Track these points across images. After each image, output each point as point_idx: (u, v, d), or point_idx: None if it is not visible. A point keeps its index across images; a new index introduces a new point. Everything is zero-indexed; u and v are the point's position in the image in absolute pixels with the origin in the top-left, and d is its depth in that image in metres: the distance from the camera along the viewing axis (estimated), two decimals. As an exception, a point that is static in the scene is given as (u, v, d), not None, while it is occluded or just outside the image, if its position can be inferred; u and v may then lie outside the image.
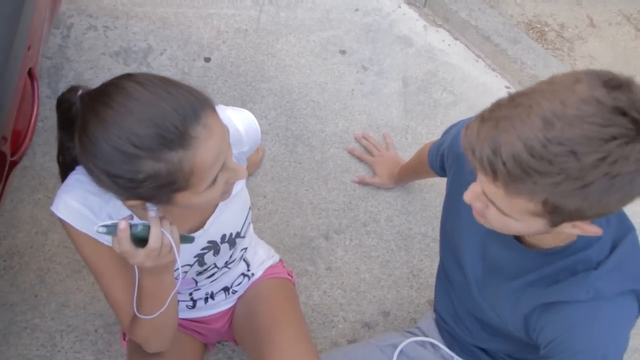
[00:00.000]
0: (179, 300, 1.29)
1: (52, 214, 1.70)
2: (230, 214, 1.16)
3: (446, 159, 1.24)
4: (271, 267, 1.43)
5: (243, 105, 2.03)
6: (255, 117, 2.07)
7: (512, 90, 2.27)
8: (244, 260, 1.36)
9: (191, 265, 1.17)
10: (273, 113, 2.04)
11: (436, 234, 1.87)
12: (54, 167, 1.80)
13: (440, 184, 1.93)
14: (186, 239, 0.99)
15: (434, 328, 1.40)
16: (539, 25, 2.47)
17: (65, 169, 1.05)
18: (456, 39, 2.39)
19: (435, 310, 1.39)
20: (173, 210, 1.06)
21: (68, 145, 1.00)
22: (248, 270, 1.38)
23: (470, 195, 0.89)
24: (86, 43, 2.08)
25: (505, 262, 1.05)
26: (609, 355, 0.93)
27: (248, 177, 1.85)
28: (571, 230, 0.86)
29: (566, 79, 0.77)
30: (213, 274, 1.27)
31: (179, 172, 0.86)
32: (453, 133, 1.23)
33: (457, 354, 1.33)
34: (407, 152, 2.01)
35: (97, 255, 1.04)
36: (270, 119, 2.02)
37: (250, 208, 1.24)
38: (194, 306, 1.34)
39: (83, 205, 0.99)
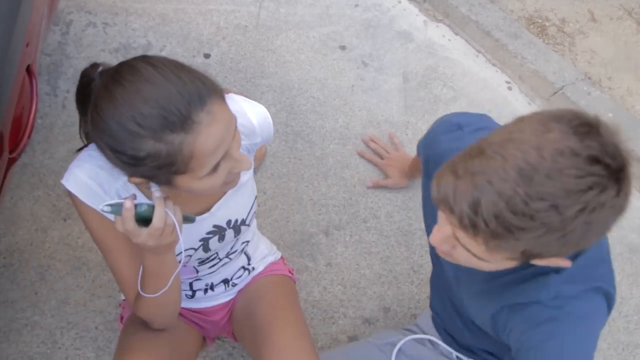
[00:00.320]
0: None
1: (53, 211, 1.71)
2: (237, 201, 1.18)
3: (419, 156, 1.24)
4: (272, 263, 1.44)
5: (243, 101, 2.03)
6: (255, 113, 2.06)
7: (513, 85, 2.27)
8: (245, 253, 1.36)
9: (195, 249, 1.18)
10: (273, 109, 2.03)
11: (436, 229, 1.87)
12: (54, 165, 1.80)
13: (440, 179, 1.92)
14: (188, 219, 1.01)
15: (432, 325, 1.40)
16: (539, 20, 2.46)
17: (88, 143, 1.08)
18: (456, 34, 2.38)
19: (430, 306, 1.39)
20: (180, 193, 1.08)
21: (84, 120, 1.02)
22: (249, 264, 1.38)
23: (438, 239, 0.87)
24: (85, 40, 2.08)
25: (472, 269, 1.07)
26: (575, 353, 0.92)
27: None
28: (539, 263, 0.87)
29: (536, 126, 0.77)
30: (214, 265, 1.27)
31: (179, 154, 0.88)
32: (433, 132, 1.22)
33: (456, 350, 1.33)
34: (407, 147, 2.01)
35: (105, 231, 1.06)
36: (270, 115, 2.02)
37: (256, 197, 1.26)
38: (193, 296, 1.34)
39: (93, 180, 1.01)
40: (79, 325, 1.57)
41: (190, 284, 1.32)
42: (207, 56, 2.11)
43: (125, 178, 1.03)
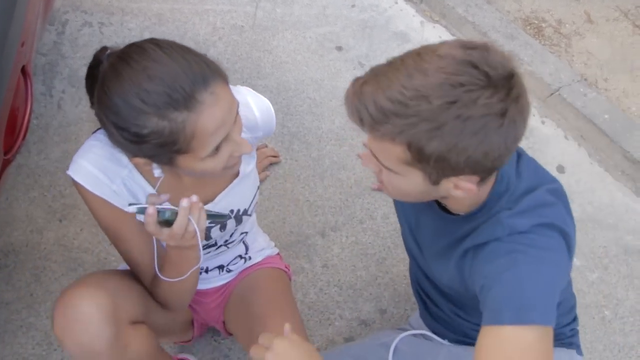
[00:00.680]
0: None
1: (48, 212, 1.70)
2: (240, 191, 1.20)
3: None
4: (270, 256, 1.45)
5: (239, 102, 2.02)
6: (252, 114, 2.06)
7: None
8: (243, 242, 1.38)
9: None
10: (269, 110, 2.03)
11: (433, 231, 1.87)
12: (49, 165, 1.80)
13: (437, 181, 1.92)
14: (221, 216, 1.05)
15: (422, 322, 1.41)
16: (536, 21, 2.47)
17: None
18: (453, 35, 2.38)
19: (415, 293, 1.41)
20: (183, 181, 1.11)
21: (91, 101, 1.04)
22: (246, 253, 1.39)
23: (364, 157, 0.98)
24: (81, 39, 2.07)
25: (435, 231, 1.12)
26: (533, 281, 0.93)
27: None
28: (455, 193, 0.93)
29: (434, 44, 0.88)
30: (210, 251, 1.28)
31: (181, 133, 0.91)
32: None
33: (449, 340, 1.34)
34: (403, 149, 2.01)
35: (113, 219, 1.08)
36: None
37: (258, 187, 1.28)
38: None
39: (97, 168, 1.03)
40: (74, 326, 1.56)
41: None
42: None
43: (130, 166, 1.06)
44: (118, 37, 2.10)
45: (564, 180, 1.78)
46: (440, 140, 0.84)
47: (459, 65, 0.83)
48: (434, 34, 2.36)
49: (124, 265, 1.30)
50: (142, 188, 1.08)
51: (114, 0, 2.20)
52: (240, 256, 1.38)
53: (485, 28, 2.31)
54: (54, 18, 2.10)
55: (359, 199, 1.90)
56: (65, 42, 2.05)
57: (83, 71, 1.99)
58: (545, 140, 2.12)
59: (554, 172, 1.78)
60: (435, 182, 0.92)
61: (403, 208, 1.21)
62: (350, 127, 2.04)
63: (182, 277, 1.09)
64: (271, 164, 1.90)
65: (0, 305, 1.57)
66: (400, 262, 1.80)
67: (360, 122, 0.88)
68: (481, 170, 0.90)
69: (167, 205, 0.99)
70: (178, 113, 0.89)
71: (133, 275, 1.19)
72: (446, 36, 2.36)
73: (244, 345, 1.36)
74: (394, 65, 0.87)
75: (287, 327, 1.02)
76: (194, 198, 0.98)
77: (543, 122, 2.19)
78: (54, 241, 1.67)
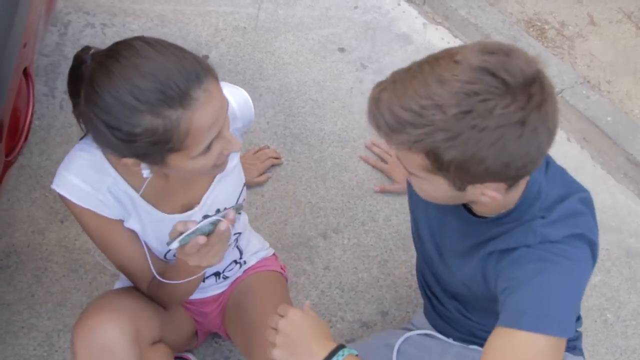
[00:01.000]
0: None
1: (50, 213, 1.70)
2: (224, 188, 1.19)
3: None
4: (265, 259, 1.44)
5: (241, 103, 2.02)
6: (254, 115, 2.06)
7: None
8: (237, 247, 1.37)
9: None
10: (271, 111, 2.03)
11: (435, 233, 1.87)
12: (51, 166, 1.80)
13: (439, 183, 1.92)
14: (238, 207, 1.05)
15: (425, 321, 1.41)
16: (539, 23, 2.46)
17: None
18: (456, 37, 2.37)
19: (422, 292, 1.39)
20: (170, 183, 1.10)
21: (76, 102, 1.02)
22: (240, 257, 1.39)
23: (393, 162, 0.99)
24: (84, 40, 2.07)
25: (459, 232, 1.11)
26: (559, 291, 0.93)
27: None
28: (481, 199, 0.91)
29: (455, 47, 0.86)
30: None
31: (175, 130, 0.89)
32: None
33: (455, 338, 1.34)
34: (406, 150, 2.00)
35: (101, 228, 1.08)
36: (268, 118, 2.02)
37: (245, 184, 1.26)
38: None
39: (82, 180, 1.02)
40: (75, 328, 1.56)
41: None
42: (205, 57, 2.11)
43: (114, 174, 1.04)
44: (120, 38, 2.09)
45: (566, 182, 1.78)
46: (457, 149, 0.82)
47: (475, 72, 0.80)
48: (437, 35, 2.36)
49: (121, 282, 1.30)
50: (128, 195, 1.07)
51: (116, 1, 2.20)
52: (235, 261, 1.37)
53: (487, 30, 2.30)
54: (56, 19, 2.10)
55: (361, 201, 1.90)
56: (67, 43, 2.06)
57: (85, 72, 2.00)
58: (547, 142, 2.11)
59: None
60: (461, 189, 0.91)
61: (425, 208, 1.19)
62: (352, 129, 2.04)
63: (180, 282, 1.10)
64: (273, 165, 1.90)
65: (1, 306, 1.56)
66: (402, 264, 1.80)
67: (378, 129, 0.88)
68: (505, 178, 0.88)
69: (194, 226, 0.98)
70: (172, 110, 0.88)
71: (143, 295, 1.20)
72: (449, 38, 2.36)
73: (243, 351, 1.35)
74: (411, 71, 0.85)
75: (307, 303, 1.05)
76: (231, 215, 0.99)
77: (546, 124, 2.19)
78: (55, 242, 1.67)
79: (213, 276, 1.35)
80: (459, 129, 0.81)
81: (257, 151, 1.89)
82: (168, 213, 1.12)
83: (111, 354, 1.04)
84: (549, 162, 1.05)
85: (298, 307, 1.03)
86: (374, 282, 1.76)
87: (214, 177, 1.17)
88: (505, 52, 0.82)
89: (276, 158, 1.90)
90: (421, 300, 1.74)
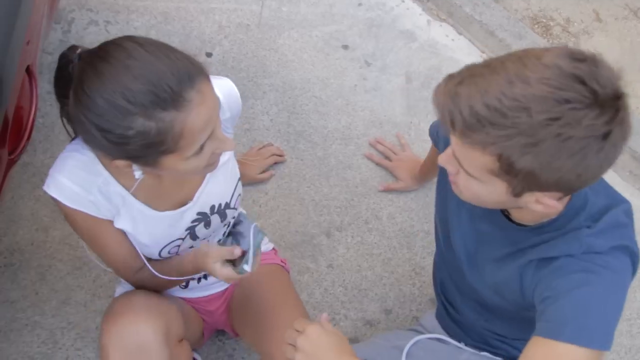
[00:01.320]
0: None
1: (54, 210, 1.70)
2: (217, 184, 1.18)
3: (442, 141, 1.25)
4: (264, 253, 1.44)
5: (245, 101, 2.01)
6: (257, 113, 2.06)
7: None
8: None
9: (183, 239, 1.19)
10: (275, 109, 2.03)
11: (439, 231, 1.86)
12: (55, 164, 1.80)
13: (443, 180, 1.91)
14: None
15: (437, 324, 1.39)
16: (544, 20, 2.45)
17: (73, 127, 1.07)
18: (460, 33, 2.36)
19: (439, 297, 1.38)
20: (163, 182, 1.09)
21: (63, 102, 1.02)
22: None
23: (444, 157, 0.94)
24: (87, 38, 2.07)
25: (494, 238, 1.08)
26: (603, 303, 0.91)
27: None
28: (534, 207, 0.89)
29: (539, 49, 0.82)
30: None
31: (169, 132, 0.88)
32: None
33: (466, 343, 1.33)
34: (411, 148, 1.99)
35: (91, 229, 1.08)
36: (272, 115, 2.01)
37: (239, 179, 1.25)
38: (186, 286, 1.34)
39: (73, 182, 1.01)
40: (79, 325, 1.57)
41: None
42: (209, 55, 2.10)
43: (105, 174, 1.04)
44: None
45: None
46: (534, 157, 0.79)
47: (566, 79, 0.77)
48: (441, 32, 2.35)
49: (122, 287, 1.31)
50: (119, 194, 1.07)
51: (120, -2, 2.20)
52: None
53: (492, 27, 2.29)
54: (60, 16, 2.10)
55: (365, 198, 1.89)
56: (71, 40, 2.05)
57: (89, 70, 1.99)
58: (552, 140, 2.10)
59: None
60: (518, 195, 0.88)
61: (459, 212, 1.16)
62: (356, 126, 2.03)
63: (176, 279, 1.15)
64: (276, 163, 1.90)
65: (5, 303, 1.57)
66: (405, 262, 1.79)
67: (452, 125, 0.83)
68: (569, 189, 0.86)
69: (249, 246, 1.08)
70: (166, 113, 0.87)
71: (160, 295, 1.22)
72: (453, 35, 2.35)
73: (252, 345, 1.35)
74: (493, 67, 0.81)
75: (324, 315, 1.03)
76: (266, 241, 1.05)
77: (550, 122, 2.17)
78: (59, 240, 1.67)
79: None
80: (543, 135, 0.77)
81: (261, 148, 1.89)
82: (161, 210, 1.12)
83: (146, 353, 1.05)
84: None
85: (316, 322, 1.00)
86: (378, 280, 1.75)
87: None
88: (593, 61, 0.79)
89: (279, 155, 1.90)
90: (425, 299, 1.74)
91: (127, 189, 1.06)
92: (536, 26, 2.41)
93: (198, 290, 1.36)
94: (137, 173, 0.99)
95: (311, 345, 0.96)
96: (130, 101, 0.85)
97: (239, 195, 1.26)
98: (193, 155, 0.94)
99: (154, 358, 1.06)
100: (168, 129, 0.88)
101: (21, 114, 1.27)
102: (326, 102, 2.07)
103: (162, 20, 2.16)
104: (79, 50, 0.95)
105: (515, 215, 1.02)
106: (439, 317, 1.39)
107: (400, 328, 1.66)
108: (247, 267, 1.05)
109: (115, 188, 1.05)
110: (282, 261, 1.47)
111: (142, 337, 1.05)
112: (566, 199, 0.96)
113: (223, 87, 1.14)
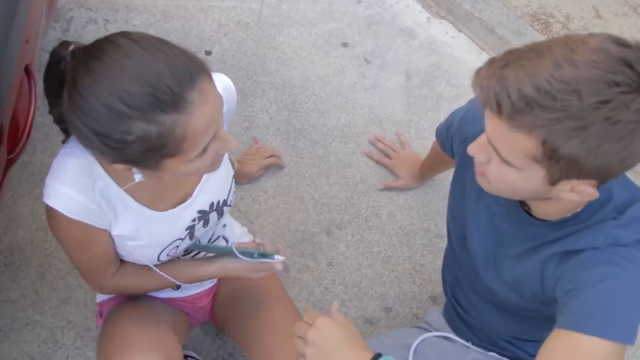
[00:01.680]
0: None
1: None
2: (216, 181, 1.15)
3: (454, 142, 1.24)
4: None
5: (244, 99, 2.02)
6: (257, 111, 2.06)
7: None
8: (224, 237, 1.36)
9: (182, 239, 1.16)
10: (274, 107, 2.02)
11: (439, 229, 1.86)
12: (54, 163, 1.79)
13: (442, 178, 1.91)
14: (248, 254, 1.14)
15: (444, 322, 1.38)
16: (544, 17, 2.44)
17: (63, 127, 1.02)
18: (460, 31, 2.36)
19: (448, 297, 1.37)
20: (162, 181, 1.05)
21: (54, 102, 0.95)
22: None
23: (476, 146, 0.91)
24: (86, 37, 2.07)
25: (514, 236, 1.06)
26: (627, 297, 0.90)
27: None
28: (568, 196, 0.87)
29: (582, 35, 0.82)
30: (197, 253, 1.27)
31: (171, 136, 0.84)
32: (460, 115, 1.22)
33: (474, 343, 1.32)
34: (411, 146, 1.99)
35: (84, 237, 1.03)
36: (271, 113, 2.01)
37: (233, 175, 1.23)
38: (178, 287, 1.32)
39: (75, 190, 0.95)
40: (79, 324, 1.56)
41: None
42: (208, 53, 2.10)
43: (105, 176, 0.99)
44: (123, 34, 2.09)
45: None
46: (581, 141, 0.78)
47: (614, 62, 0.76)
48: (441, 30, 2.34)
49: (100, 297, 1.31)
50: (120, 197, 1.02)
51: (118, -4, 2.19)
52: None
53: (492, 24, 2.28)
54: (58, 15, 2.10)
55: (365, 196, 1.89)
56: (70, 39, 2.04)
57: (88, 68, 1.99)
58: (552, 137, 2.10)
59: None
60: (554, 183, 0.86)
61: (476, 211, 1.13)
62: (355, 124, 2.03)
63: (176, 281, 1.15)
64: (274, 165, 1.87)
65: (5, 303, 1.57)
66: (405, 260, 1.79)
67: (498, 107, 0.80)
68: (605, 176, 0.85)
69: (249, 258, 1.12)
70: (167, 116, 0.81)
71: (145, 314, 1.22)
72: (453, 32, 2.34)
73: (238, 341, 1.35)
74: (538, 51, 0.80)
75: (334, 305, 0.99)
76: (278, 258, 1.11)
77: (550, 119, 2.17)
78: (59, 239, 1.67)
79: None
80: (592, 119, 0.76)
81: (258, 147, 1.88)
82: (161, 210, 1.09)
83: None
84: None
85: (326, 314, 0.96)
86: (378, 278, 1.75)
87: None
88: (638, 47, 0.79)
89: (277, 157, 1.87)
90: (425, 297, 1.74)
91: (128, 191, 1.02)
92: (536, 23, 2.41)
93: (190, 289, 1.35)
94: (137, 177, 0.95)
95: (322, 338, 0.92)
96: (128, 104, 0.80)
97: (234, 191, 1.24)
98: (196, 157, 0.89)
99: None
100: (169, 133, 0.83)
101: (20, 113, 1.27)
102: (326, 100, 2.07)
103: (161, 18, 2.16)
104: (71, 47, 0.89)
105: (539, 210, 1.00)
106: (446, 315, 1.38)
107: (404, 326, 1.66)
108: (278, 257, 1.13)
109: (116, 191, 1.01)
110: None
111: None
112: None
113: (220, 82, 1.10)
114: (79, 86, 0.82)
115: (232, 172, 1.22)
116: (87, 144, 0.88)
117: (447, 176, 1.84)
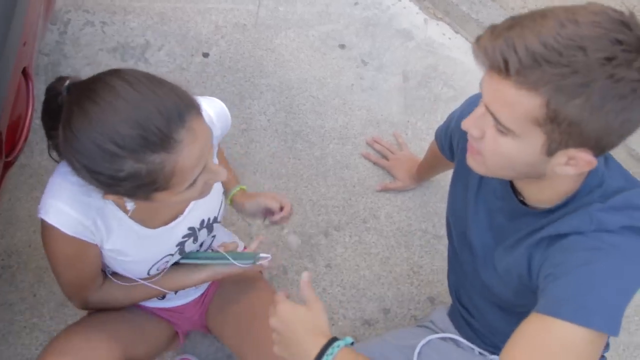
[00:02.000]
0: None
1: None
2: (207, 200, 1.16)
3: (453, 139, 1.24)
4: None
5: (242, 101, 2.02)
6: (254, 113, 2.06)
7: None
8: (211, 248, 1.36)
9: (172, 255, 1.18)
10: (272, 109, 2.02)
11: (436, 230, 1.86)
12: (52, 165, 1.79)
13: (439, 180, 1.91)
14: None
15: (449, 322, 1.38)
16: (540, 18, 2.45)
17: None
18: (457, 32, 2.36)
19: (453, 299, 1.36)
20: (154, 203, 1.07)
21: (51, 134, 1.00)
22: None
23: (471, 119, 0.91)
24: (83, 39, 2.07)
25: (509, 228, 1.06)
26: (605, 282, 0.88)
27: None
28: (563, 170, 0.87)
29: (579, 5, 0.84)
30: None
31: (160, 173, 0.88)
32: (457, 113, 1.23)
33: (478, 346, 1.31)
34: (408, 147, 1.99)
35: (75, 254, 1.05)
36: (269, 115, 2.01)
37: (223, 193, 1.26)
38: (163, 297, 1.33)
39: (73, 208, 0.98)
40: (77, 327, 1.56)
41: None
42: (205, 55, 2.10)
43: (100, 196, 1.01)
44: (120, 37, 2.09)
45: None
46: (585, 99, 0.79)
47: (615, 23, 0.79)
48: (438, 31, 2.35)
49: None
50: (115, 215, 1.05)
51: (116, -1, 2.20)
52: None
53: (489, 25, 2.29)
54: (56, 18, 2.10)
55: (363, 198, 1.89)
56: (67, 41, 2.05)
57: (85, 71, 2.00)
58: (549, 138, 2.11)
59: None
60: (551, 153, 0.86)
61: (476, 208, 1.14)
62: (353, 126, 2.03)
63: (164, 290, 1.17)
64: (270, 216, 1.38)
65: (3, 306, 1.57)
66: (403, 262, 1.80)
67: (505, 65, 0.81)
68: (603, 144, 0.85)
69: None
70: (156, 155, 0.86)
71: (99, 319, 1.22)
72: (450, 34, 2.35)
73: (230, 347, 1.36)
74: (540, 14, 0.82)
75: (304, 277, 1.00)
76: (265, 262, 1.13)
77: (547, 120, 2.18)
78: (57, 241, 1.67)
79: None
80: (597, 75, 0.78)
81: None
82: (154, 228, 1.11)
83: None
84: (607, 156, 1.00)
85: (289, 301, 0.97)
86: (376, 279, 1.76)
87: None
88: (632, 13, 0.82)
89: (286, 212, 1.38)
90: (423, 298, 1.75)
91: (123, 210, 1.05)
92: (533, 24, 2.42)
93: (176, 300, 1.35)
94: (130, 205, 0.99)
95: (282, 325, 0.95)
96: (119, 145, 0.85)
97: (224, 208, 1.27)
98: (185, 189, 0.94)
99: None
100: (159, 170, 0.87)
101: (18, 116, 1.27)
102: (323, 102, 2.07)
103: (159, 20, 2.16)
104: (67, 82, 0.93)
105: (532, 196, 1.00)
106: (451, 316, 1.38)
107: (404, 326, 1.66)
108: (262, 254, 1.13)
109: (112, 209, 1.04)
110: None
111: None
112: (581, 177, 0.94)
113: (214, 107, 1.14)
114: (73, 127, 0.86)
115: (222, 191, 1.24)
116: (81, 177, 0.91)
117: (444, 177, 1.85)
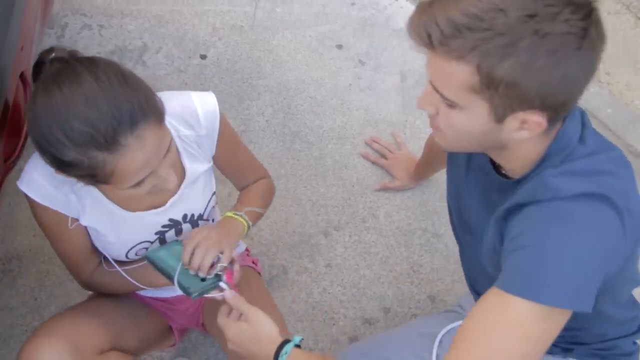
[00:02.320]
0: None
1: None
2: (192, 195, 1.20)
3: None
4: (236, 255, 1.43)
5: (240, 102, 2.02)
6: (252, 114, 2.07)
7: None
8: (177, 238, 1.36)
9: (151, 242, 1.20)
10: (270, 110, 2.03)
11: (436, 229, 1.86)
12: (51, 169, 1.80)
13: (438, 178, 1.91)
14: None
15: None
16: (537, 16, 2.45)
17: None
18: (454, 31, 2.37)
19: (470, 290, 1.33)
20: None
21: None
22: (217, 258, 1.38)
23: (422, 97, 0.92)
24: (81, 42, 2.07)
25: (501, 201, 1.03)
26: (558, 255, 0.85)
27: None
28: (519, 134, 0.86)
29: None
30: None
31: (100, 169, 0.92)
32: None
33: None
34: (406, 146, 2.00)
35: (56, 225, 1.11)
36: (267, 116, 2.01)
37: (214, 193, 1.26)
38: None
39: (46, 180, 1.04)
40: (78, 330, 1.57)
41: None
42: (203, 57, 2.11)
43: None
44: (118, 40, 2.10)
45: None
46: (514, 59, 0.78)
47: None
48: (435, 30, 2.35)
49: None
50: (90, 193, 1.09)
51: (112, 2, 2.20)
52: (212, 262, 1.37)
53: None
54: (53, 22, 2.10)
55: (362, 197, 1.89)
56: (64, 45, 2.05)
57: (83, 74, 1.99)
58: (547, 135, 2.11)
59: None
60: (500, 119, 0.85)
61: (469, 191, 1.11)
62: (351, 125, 2.04)
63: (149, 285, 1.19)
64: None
65: (4, 310, 1.57)
66: (403, 261, 1.80)
67: (428, 39, 0.82)
68: (552, 104, 0.82)
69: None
70: (99, 153, 0.90)
71: (93, 305, 1.25)
72: (447, 32, 2.35)
73: (223, 345, 1.35)
74: None
75: (220, 316, 1.07)
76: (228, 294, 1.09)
77: (545, 117, 2.18)
78: (57, 245, 1.67)
79: None
80: (520, 33, 0.77)
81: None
82: (132, 211, 1.13)
83: None
84: (585, 124, 0.96)
85: (232, 322, 1.05)
86: (376, 278, 1.76)
87: (181, 183, 1.16)
88: None
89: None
90: (423, 296, 1.75)
91: (99, 188, 1.09)
92: (529, 22, 2.42)
93: (169, 290, 1.34)
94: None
95: (235, 346, 1.05)
96: (67, 136, 0.89)
97: (213, 207, 1.28)
98: (129, 188, 0.97)
99: None
100: (100, 166, 0.91)
101: (16, 120, 1.27)
102: (321, 102, 2.07)
103: (156, 23, 2.17)
104: (52, 55, 0.98)
105: (507, 166, 0.98)
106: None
107: (399, 324, 1.65)
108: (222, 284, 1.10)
109: (88, 187, 1.07)
110: (253, 262, 1.47)
111: None
112: (547, 139, 0.91)
113: (205, 103, 1.14)
114: (35, 103, 0.92)
115: (213, 189, 1.24)
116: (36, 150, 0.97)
117: (443, 176, 1.84)
